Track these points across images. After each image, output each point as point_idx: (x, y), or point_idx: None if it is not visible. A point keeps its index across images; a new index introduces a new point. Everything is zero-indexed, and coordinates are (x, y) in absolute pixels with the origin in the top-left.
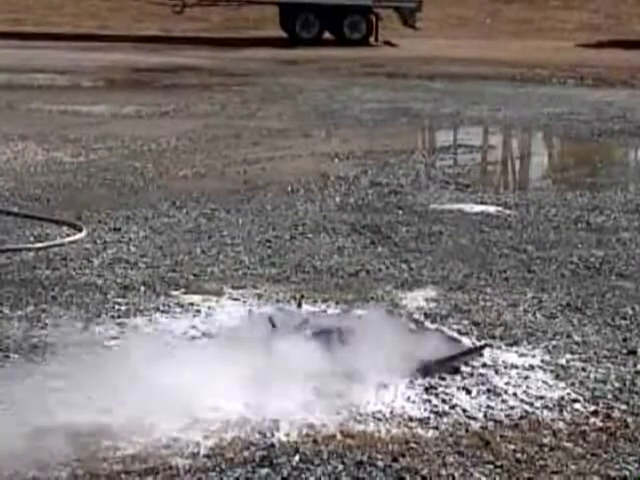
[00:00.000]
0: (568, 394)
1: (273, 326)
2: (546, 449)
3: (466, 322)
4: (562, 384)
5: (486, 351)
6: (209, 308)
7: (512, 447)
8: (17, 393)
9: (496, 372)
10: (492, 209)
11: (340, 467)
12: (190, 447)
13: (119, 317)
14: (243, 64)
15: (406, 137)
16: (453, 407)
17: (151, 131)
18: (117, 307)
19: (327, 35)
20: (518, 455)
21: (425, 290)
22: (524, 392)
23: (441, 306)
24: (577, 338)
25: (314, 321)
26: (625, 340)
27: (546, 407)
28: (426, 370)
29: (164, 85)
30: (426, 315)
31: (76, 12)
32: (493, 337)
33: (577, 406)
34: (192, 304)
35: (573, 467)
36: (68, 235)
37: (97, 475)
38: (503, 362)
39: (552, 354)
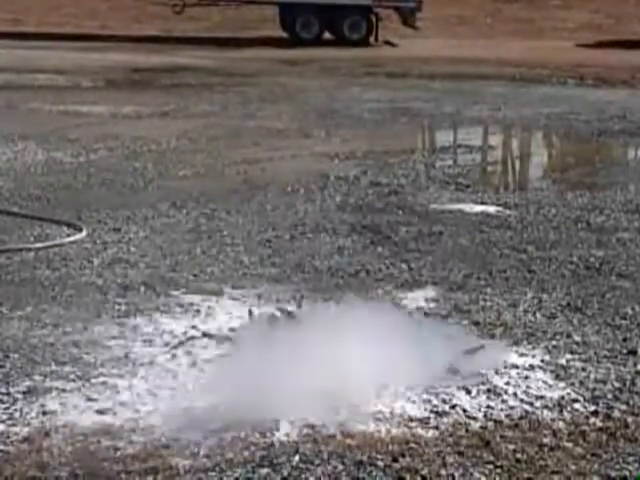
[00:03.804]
0: (568, 394)
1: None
2: (546, 449)
3: (466, 322)
4: (562, 384)
5: (486, 351)
6: (209, 308)
7: (512, 447)
8: None
9: (496, 372)
10: (492, 209)
11: (340, 467)
12: (190, 447)
13: (119, 317)
14: (243, 64)
15: (406, 137)
16: (453, 407)
17: (151, 131)
18: (117, 307)
19: (327, 35)
20: (518, 455)
21: (425, 290)
22: (524, 392)
23: (441, 306)
24: (577, 338)
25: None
26: (625, 340)
27: (546, 407)
28: None
29: (164, 85)
30: (426, 315)
31: (76, 12)
32: (493, 337)
33: (577, 406)
34: (192, 304)
35: (573, 467)
36: (68, 235)
37: (97, 475)
38: (503, 362)
39: (552, 354)
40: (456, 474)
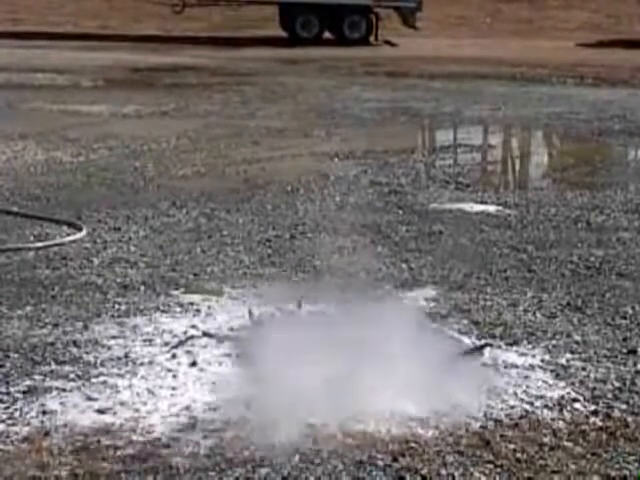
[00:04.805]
0: (568, 394)
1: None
2: (546, 449)
3: (466, 322)
4: (562, 384)
5: (486, 351)
6: (209, 308)
7: (512, 447)
8: None
9: (496, 372)
10: (492, 209)
11: (340, 467)
12: (190, 447)
13: (119, 317)
14: (243, 64)
15: (406, 137)
16: (453, 407)
17: (151, 131)
18: (117, 307)
19: (327, 35)
20: (518, 455)
21: (425, 290)
22: (524, 392)
23: (441, 306)
24: (577, 338)
25: None
26: (625, 340)
27: (546, 407)
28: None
29: (164, 85)
30: (426, 314)
31: (76, 12)
32: (493, 337)
33: (577, 406)
34: (192, 304)
35: (573, 467)
36: (68, 235)
37: (97, 475)
38: (503, 362)
39: (552, 354)
40: (456, 474)
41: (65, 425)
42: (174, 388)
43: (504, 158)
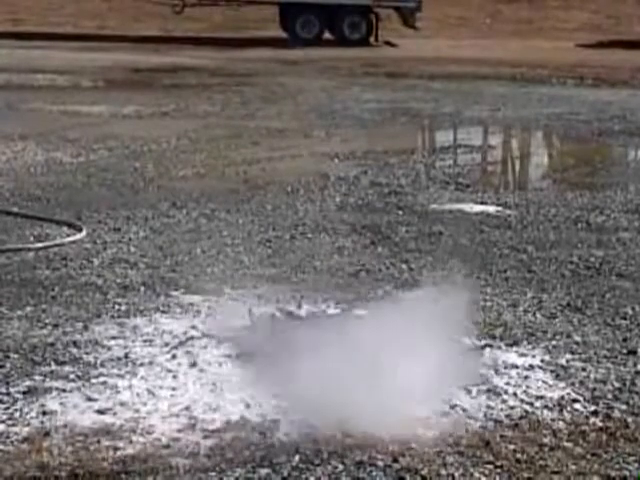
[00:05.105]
0: (568, 394)
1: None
2: (546, 449)
3: (466, 322)
4: (562, 384)
5: (486, 351)
6: (209, 308)
7: (512, 447)
8: None
9: (496, 372)
10: (492, 209)
11: (340, 467)
12: (190, 447)
13: (119, 317)
14: (243, 64)
15: (406, 137)
16: (453, 407)
17: (151, 131)
18: (117, 307)
19: (327, 35)
20: (518, 455)
21: (425, 290)
22: (524, 392)
23: (441, 306)
24: (577, 338)
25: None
26: (625, 340)
27: (546, 407)
28: None
29: (164, 85)
30: (426, 315)
31: (76, 12)
32: (493, 337)
33: (577, 406)
34: (192, 304)
35: (573, 467)
36: (68, 235)
37: (97, 475)
38: (503, 362)
39: (552, 354)
40: (456, 474)
41: (65, 425)
42: (174, 389)
43: (504, 159)
